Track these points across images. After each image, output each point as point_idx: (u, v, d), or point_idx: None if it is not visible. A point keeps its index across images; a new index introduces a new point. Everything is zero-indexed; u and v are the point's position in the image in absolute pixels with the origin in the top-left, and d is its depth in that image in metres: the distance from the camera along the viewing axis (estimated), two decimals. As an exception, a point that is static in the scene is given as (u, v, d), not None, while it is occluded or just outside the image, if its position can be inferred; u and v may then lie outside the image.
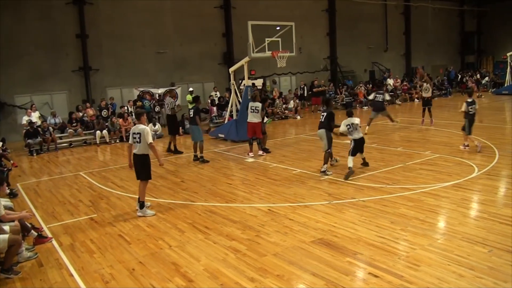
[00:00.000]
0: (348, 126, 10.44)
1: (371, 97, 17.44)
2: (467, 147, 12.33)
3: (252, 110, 13.29)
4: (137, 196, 8.54)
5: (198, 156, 13.07)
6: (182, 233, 7.32)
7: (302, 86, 26.49)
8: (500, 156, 11.26)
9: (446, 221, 7.22)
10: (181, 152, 14.89)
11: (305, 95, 25.84)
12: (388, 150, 13.02)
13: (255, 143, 13.56)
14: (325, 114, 10.86)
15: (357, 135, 10.40)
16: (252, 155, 13.27)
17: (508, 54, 29.46)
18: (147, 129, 8.29)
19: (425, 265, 5.57)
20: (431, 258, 5.76)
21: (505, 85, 29.62)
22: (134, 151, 8.38)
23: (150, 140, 8.18)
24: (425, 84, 17.06)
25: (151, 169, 8.45)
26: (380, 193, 8.81)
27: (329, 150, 10.66)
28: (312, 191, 9.30)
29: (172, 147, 14.98)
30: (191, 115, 13.00)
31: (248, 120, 13.46)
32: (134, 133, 8.33)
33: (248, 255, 6.24)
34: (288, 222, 7.50)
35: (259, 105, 13.25)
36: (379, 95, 16.70)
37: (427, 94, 16.92)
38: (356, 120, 10.52)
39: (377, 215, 7.54)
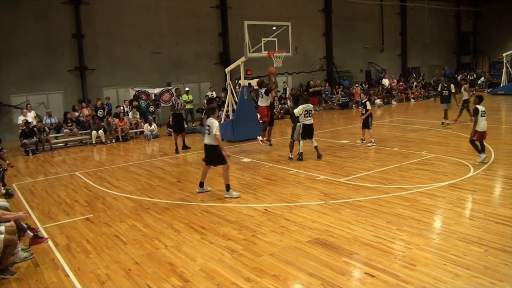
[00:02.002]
0: (306, 112, 11.97)
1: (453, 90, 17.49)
2: (371, 143, 13.86)
3: (258, 95, 14.06)
4: (133, 196, 8.55)
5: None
6: (178, 233, 7.31)
7: (285, 88, 26.50)
8: (496, 156, 11.30)
9: (442, 220, 7.24)
10: (189, 147, 15.30)
11: (286, 96, 25.85)
12: (384, 150, 13.04)
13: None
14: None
15: (308, 121, 12.04)
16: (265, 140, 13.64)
17: (504, 55, 29.62)
18: (216, 123, 8.97)
19: (421, 264, 5.58)
20: (427, 257, 5.77)
21: (501, 85, 29.75)
22: (205, 141, 9.20)
23: (215, 132, 8.85)
24: (463, 90, 17.49)
25: (223, 155, 9.02)
26: (376, 193, 8.82)
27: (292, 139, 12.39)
28: (308, 191, 9.31)
29: (180, 144, 15.13)
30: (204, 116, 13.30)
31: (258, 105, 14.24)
32: (206, 125, 9.15)
33: (244, 255, 6.24)
34: (284, 222, 7.50)
35: (262, 90, 13.73)
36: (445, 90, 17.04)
37: (464, 97, 17.33)
38: (312, 107, 12.33)
39: (373, 215, 7.55)
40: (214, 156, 9.15)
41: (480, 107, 10.57)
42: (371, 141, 13.84)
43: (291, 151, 12.44)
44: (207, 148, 9.23)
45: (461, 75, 33.61)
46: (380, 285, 5.16)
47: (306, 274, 5.53)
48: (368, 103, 14.21)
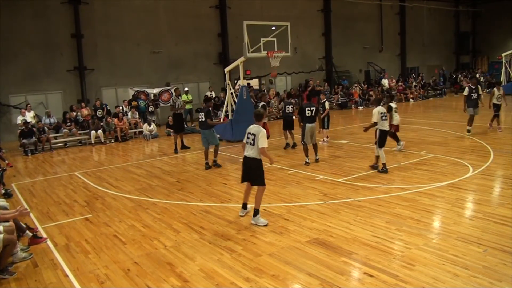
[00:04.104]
0: (382, 115, 10.44)
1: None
2: (325, 141, 14.87)
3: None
4: (132, 196, 8.52)
5: (214, 160, 12.22)
6: (177, 233, 7.31)
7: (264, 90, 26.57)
8: (495, 156, 11.32)
9: (441, 220, 7.24)
10: (188, 147, 15.25)
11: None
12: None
13: None
14: (313, 109, 11.66)
15: (386, 126, 10.59)
16: None
17: (503, 55, 29.62)
18: (263, 132, 7.44)
19: (420, 264, 5.58)
20: (426, 257, 5.77)
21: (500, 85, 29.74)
22: (245, 153, 7.66)
23: (264, 145, 7.33)
24: (496, 91, 15.48)
25: (263, 174, 7.66)
26: (375, 193, 8.83)
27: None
28: (307, 191, 9.31)
29: (179, 144, 15.12)
30: (202, 119, 12.12)
31: None
32: (249, 133, 7.64)
33: (243, 255, 6.24)
34: (284, 222, 7.49)
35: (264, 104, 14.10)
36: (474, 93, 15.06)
37: (498, 102, 15.41)
38: (384, 109, 10.72)
39: (372, 215, 7.55)
40: (256, 173, 7.56)
41: (393, 104, 12.69)
42: (323, 139, 14.88)
43: (306, 155, 11.67)
44: (249, 162, 7.57)
45: (460, 75, 33.66)
46: (379, 285, 5.16)
47: (305, 274, 5.53)
48: (327, 103, 14.90)
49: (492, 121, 15.61)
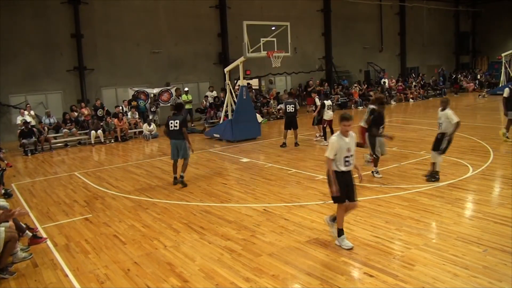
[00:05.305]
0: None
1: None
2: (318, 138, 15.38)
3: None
4: (132, 196, 8.53)
5: (181, 176, 10.45)
6: (177, 233, 7.31)
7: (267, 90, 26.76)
8: (494, 156, 11.32)
9: (441, 220, 7.23)
10: None
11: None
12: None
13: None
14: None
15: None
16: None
17: (502, 55, 29.63)
18: (330, 139, 6.22)
19: (420, 264, 5.58)
20: (426, 257, 5.77)
21: (500, 85, 29.77)
22: None
23: (326, 153, 6.17)
24: None
25: (335, 188, 6.11)
26: (375, 193, 8.83)
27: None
28: (307, 191, 9.31)
29: None
30: (176, 127, 10.28)
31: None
32: None
33: (243, 255, 6.24)
34: (284, 222, 7.50)
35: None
36: None
37: None
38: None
39: (372, 215, 7.55)
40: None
41: (327, 102, 14.50)
42: (316, 136, 15.59)
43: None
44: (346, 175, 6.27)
45: (460, 75, 33.69)
46: (379, 285, 5.16)
47: (305, 274, 5.53)
48: (317, 99, 15.42)
49: None
